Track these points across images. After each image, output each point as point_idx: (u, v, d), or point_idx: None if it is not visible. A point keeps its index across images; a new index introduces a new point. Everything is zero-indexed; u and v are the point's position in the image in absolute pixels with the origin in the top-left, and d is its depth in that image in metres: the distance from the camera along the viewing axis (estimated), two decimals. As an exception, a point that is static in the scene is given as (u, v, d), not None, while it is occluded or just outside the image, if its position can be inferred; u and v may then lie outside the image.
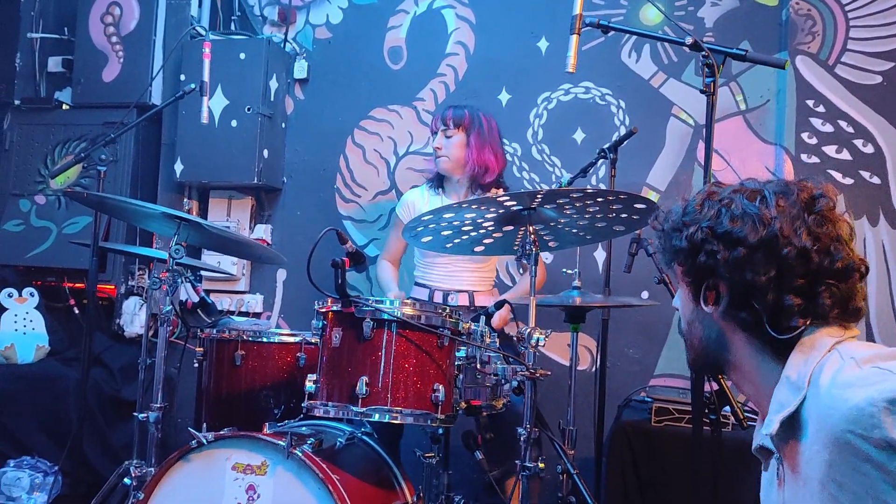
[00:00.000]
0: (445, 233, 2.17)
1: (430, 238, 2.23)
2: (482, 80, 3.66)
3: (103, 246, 2.96)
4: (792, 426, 1.09)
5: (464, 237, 2.20)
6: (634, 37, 3.45)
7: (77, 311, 3.92)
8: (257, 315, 3.84)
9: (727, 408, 2.27)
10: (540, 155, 3.57)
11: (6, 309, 3.68)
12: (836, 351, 1.09)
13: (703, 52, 1.94)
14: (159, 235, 3.72)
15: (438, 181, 3.16)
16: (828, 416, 1.02)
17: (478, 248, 2.29)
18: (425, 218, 2.10)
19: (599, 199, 2.01)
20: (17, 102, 4.06)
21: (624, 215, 2.10)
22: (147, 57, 3.79)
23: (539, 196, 1.97)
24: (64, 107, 3.99)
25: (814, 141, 3.27)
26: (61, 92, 4.06)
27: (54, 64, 4.07)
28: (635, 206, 2.05)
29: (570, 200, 2.00)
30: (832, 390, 1.03)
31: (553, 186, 3.49)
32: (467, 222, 2.12)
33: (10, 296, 3.70)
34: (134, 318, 3.78)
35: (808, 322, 1.11)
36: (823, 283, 1.10)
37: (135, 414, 2.51)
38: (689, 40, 2.00)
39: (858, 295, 1.13)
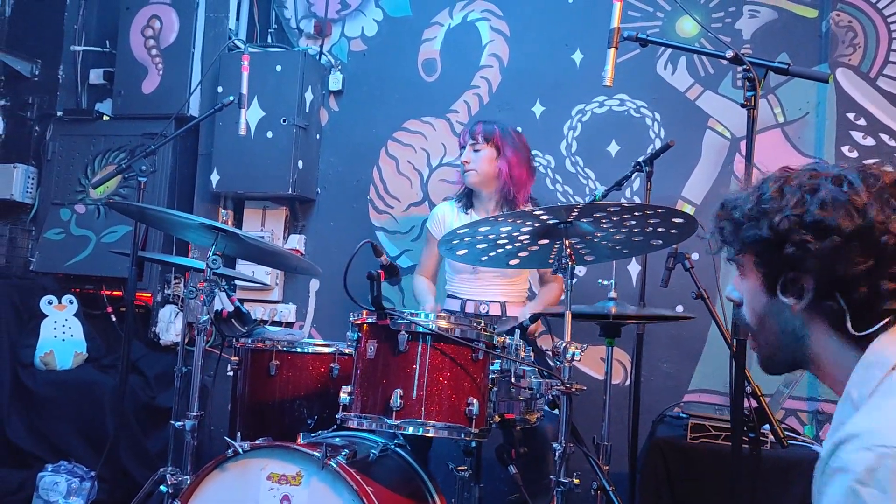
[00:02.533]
0: (481, 246, 2.17)
1: (466, 251, 2.23)
2: (516, 92, 3.66)
3: (142, 256, 3.00)
4: None
5: (499, 250, 2.20)
6: (670, 49, 3.43)
7: (114, 319, 3.98)
8: (290, 324, 3.86)
9: (766, 426, 2.24)
10: (574, 167, 3.56)
11: (46, 316, 3.75)
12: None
13: (745, 66, 1.92)
14: (196, 245, 3.77)
15: (467, 198, 3.15)
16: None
17: (513, 262, 2.28)
18: (461, 231, 2.10)
19: (637, 214, 1.99)
20: (59, 114, 4.16)
21: (661, 230, 2.08)
22: (186, 69, 3.85)
23: (576, 210, 1.96)
24: (104, 118, 4.08)
25: (855, 154, 3.22)
26: (102, 103, 4.16)
27: (96, 76, 4.17)
28: (673, 220, 2.03)
29: (607, 214, 1.99)
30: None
31: (587, 199, 3.48)
32: (503, 236, 2.12)
33: (49, 303, 3.77)
34: (169, 326, 3.83)
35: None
36: None
37: (171, 422, 2.54)
38: (729, 54, 1.98)
39: None
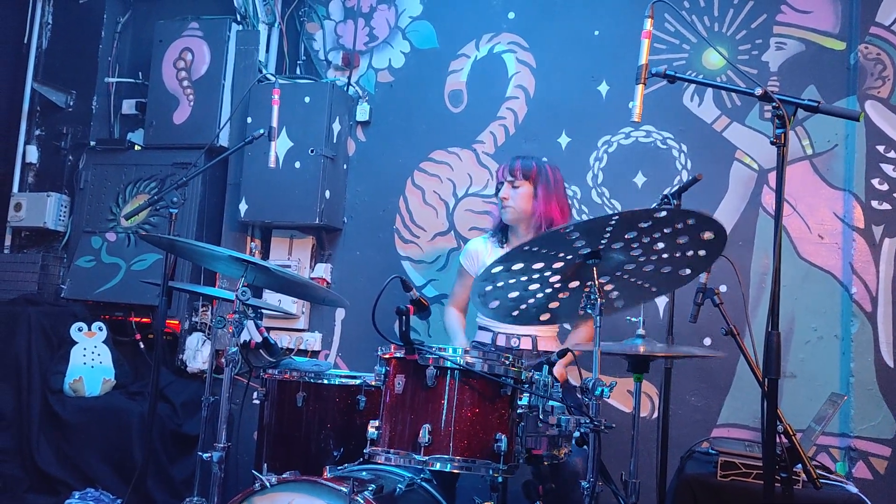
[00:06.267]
0: (512, 294, 2.15)
1: (498, 303, 2.21)
2: (542, 123, 3.68)
3: (172, 286, 3.03)
4: None
5: (529, 301, 2.18)
6: (697, 81, 3.43)
7: (142, 346, 4.03)
8: (315, 353, 3.88)
9: (798, 465, 2.21)
10: (600, 198, 3.56)
11: (76, 342, 3.80)
12: None
13: (774, 104, 1.92)
14: (223, 276, 3.81)
15: (502, 233, 3.15)
16: None
17: (543, 317, 2.27)
18: (494, 271, 2.07)
19: (666, 230, 1.95)
20: (92, 143, 4.25)
21: (690, 252, 2.05)
22: (216, 100, 3.93)
23: (612, 222, 1.90)
24: (136, 148, 4.16)
25: (885, 187, 3.18)
26: (134, 133, 4.25)
27: (128, 106, 4.27)
28: (702, 236, 2.00)
29: (637, 235, 1.95)
30: None
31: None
32: (535, 277, 2.08)
33: (80, 330, 3.82)
34: (196, 353, 3.86)
35: None
36: None
37: (199, 453, 2.54)
38: (758, 91, 1.98)
39: None
